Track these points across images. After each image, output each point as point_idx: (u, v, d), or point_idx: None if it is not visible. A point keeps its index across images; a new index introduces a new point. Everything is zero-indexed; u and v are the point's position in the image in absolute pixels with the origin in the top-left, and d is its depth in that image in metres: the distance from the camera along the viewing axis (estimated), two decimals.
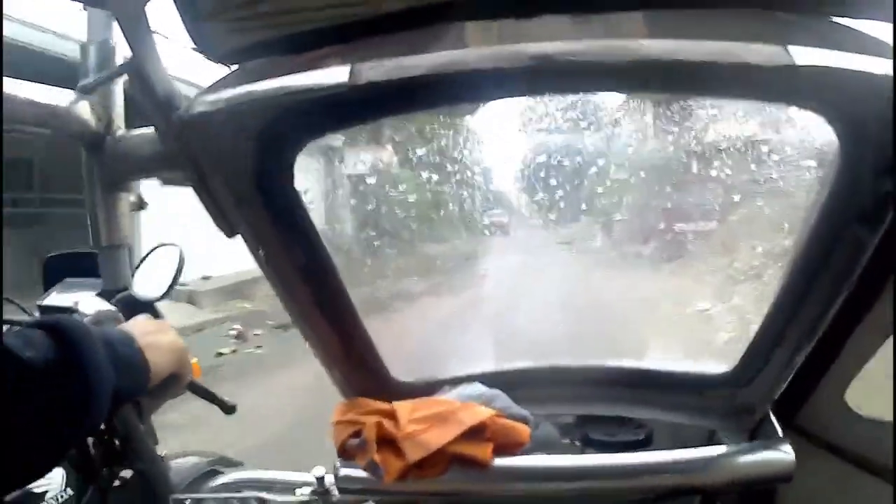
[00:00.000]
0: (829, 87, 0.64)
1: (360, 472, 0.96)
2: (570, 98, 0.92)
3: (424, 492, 0.97)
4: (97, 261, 1.32)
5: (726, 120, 0.92)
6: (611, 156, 1.04)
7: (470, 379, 1.08)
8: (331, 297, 0.90)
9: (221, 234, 0.79)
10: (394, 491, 0.96)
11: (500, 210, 1.15)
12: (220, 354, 6.59)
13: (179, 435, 3.20)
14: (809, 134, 0.83)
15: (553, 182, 1.04)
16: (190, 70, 1.76)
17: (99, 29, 0.77)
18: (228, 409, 1.52)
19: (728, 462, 0.96)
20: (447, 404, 0.97)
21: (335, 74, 0.65)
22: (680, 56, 0.63)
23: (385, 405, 0.98)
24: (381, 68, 0.65)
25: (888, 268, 0.79)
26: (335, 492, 1.09)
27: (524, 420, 1.01)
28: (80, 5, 0.76)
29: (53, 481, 1.24)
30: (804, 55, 0.62)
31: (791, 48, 0.62)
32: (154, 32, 0.68)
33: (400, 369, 1.07)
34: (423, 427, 0.93)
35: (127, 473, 1.36)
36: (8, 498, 1.01)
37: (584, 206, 1.11)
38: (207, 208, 0.76)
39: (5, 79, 0.69)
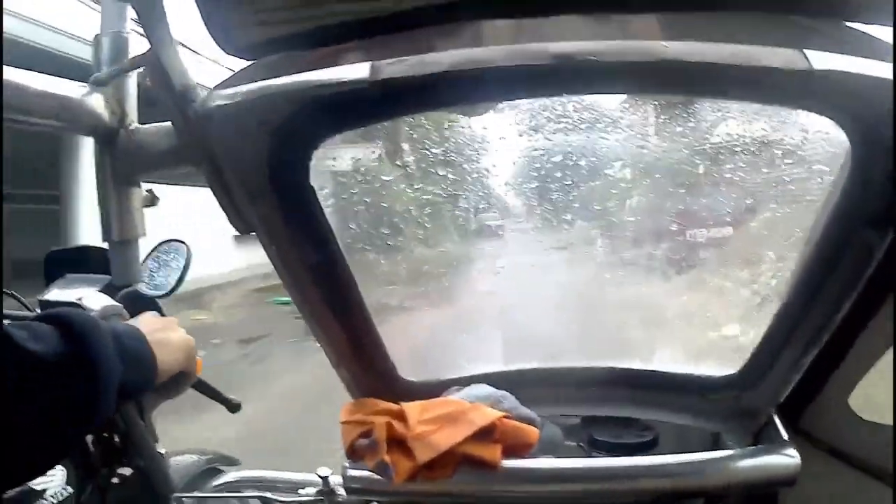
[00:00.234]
0: (843, 91, 0.65)
1: (368, 473, 0.95)
2: (580, 99, 0.92)
3: (433, 493, 0.97)
4: (98, 256, 1.31)
5: (736, 120, 0.92)
6: (619, 157, 1.04)
7: (477, 379, 1.08)
8: (343, 296, 0.89)
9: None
10: (403, 492, 0.96)
11: (507, 211, 1.15)
12: None
13: None
14: (822, 137, 0.84)
15: (562, 184, 1.04)
16: None
17: (112, 20, 0.76)
18: (233, 406, 1.51)
19: (733, 465, 0.96)
20: (456, 405, 0.97)
21: (355, 71, 0.65)
22: (700, 58, 0.64)
23: (394, 406, 0.98)
24: (402, 65, 0.64)
25: (895, 273, 0.80)
26: (340, 492, 1.08)
27: (531, 421, 1.00)
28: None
29: (53, 479, 1.22)
30: (820, 59, 0.62)
31: (808, 52, 0.63)
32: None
33: (407, 369, 1.07)
34: (433, 428, 0.93)
35: (126, 471, 1.35)
36: (7, 495, 1.00)
37: (596, 207, 1.11)
38: (221, 204, 0.76)
39: (16, 70, 0.69)
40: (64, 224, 7.65)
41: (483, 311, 1.32)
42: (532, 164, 1.02)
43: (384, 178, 0.98)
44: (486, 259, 1.23)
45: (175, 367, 0.82)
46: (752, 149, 0.92)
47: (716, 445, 1.07)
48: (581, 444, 1.12)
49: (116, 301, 1.16)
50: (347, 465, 0.98)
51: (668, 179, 1.03)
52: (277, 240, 0.80)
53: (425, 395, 1.02)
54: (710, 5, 0.66)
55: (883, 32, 0.66)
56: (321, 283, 0.86)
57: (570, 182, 1.03)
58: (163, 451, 1.37)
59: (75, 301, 1.14)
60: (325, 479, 1.10)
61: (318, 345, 0.95)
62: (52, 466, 0.71)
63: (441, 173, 0.97)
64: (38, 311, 1.27)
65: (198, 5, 0.65)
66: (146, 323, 0.83)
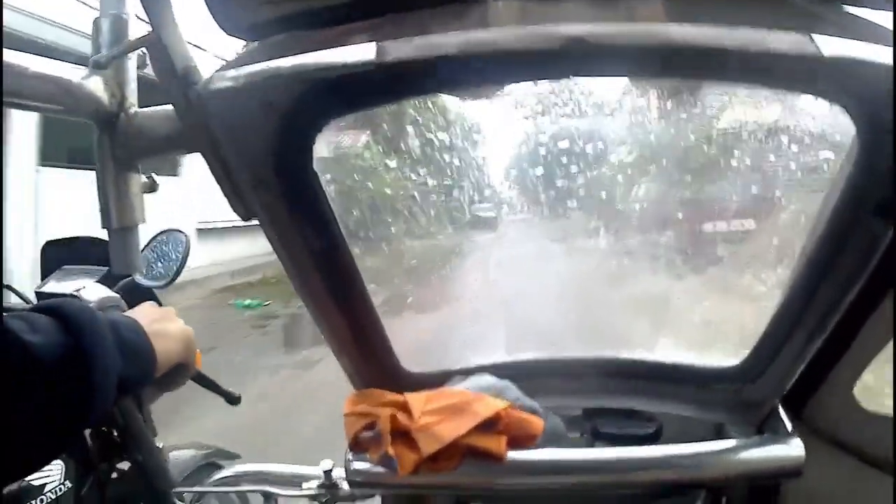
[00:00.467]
0: (851, 77, 0.64)
1: (371, 466, 0.95)
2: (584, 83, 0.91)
3: (438, 485, 0.96)
4: (94, 247, 1.30)
5: (744, 105, 0.92)
6: (622, 144, 1.04)
7: (479, 370, 1.07)
8: (345, 284, 0.88)
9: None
10: (407, 484, 0.95)
11: (509, 201, 1.15)
12: None
13: None
14: (828, 124, 0.83)
15: (565, 172, 1.03)
16: None
17: (112, 2, 0.75)
18: (234, 399, 1.51)
19: (737, 457, 0.96)
20: (461, 395, 0.96)
21: (362, 52, 0.63)
22: (707, 42, 0.63)
23: (397, 396, 0.97)
24: (409, 46, 0.63)
25: None
26: (343, 485, 1.07)
27: (534, 412, 1.00)
28: None
29: (52, 473, 1.21)
30: (827, 44, 0.62)
31: (815, 37, 0.62)
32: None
33: (410, 359, 1.06)
34: (438, 419, 0.92)
35: (125, 465, 1.34)
36: (5, 491, 0.99)
37: (599, 196, 1.10)
38: (223, 189, 0.75)
39: (15, 52, 0.67)
40: None
41: (485, 301, 1.31)
42: (534, 152, 1.02)
43: (387, 163, 0.97)
44: (488, 249, 1.23)
45: (174, 358, 0.81)
46: (759, 136, 0.91)
47: (719, 436, 1.06)
48: (584, 435, 1.12)
49: (114, 292, 1.16)
50: (350, 457, 0.97)
51: (671, 167, 1.03)
52: (280, 226, 0.78)
53: (427, 386, 1.01)
54: None
55: (888, 19, 0.66)
56: (324, 271, 0.85)
57: (573, 170, 1.02)
58: (161, 445, 1.36)
59: (73, 293, 1.13)
60: (327, 472, 1.09)
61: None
62: (48, 462, 0.70)
63: (443, 159, 0.97)
64: (37, 302, 1.26)
65: None
66: (144, 314, 0.81)
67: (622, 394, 1.13)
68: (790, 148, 0.92)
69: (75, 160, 8.27)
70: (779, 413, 1.02)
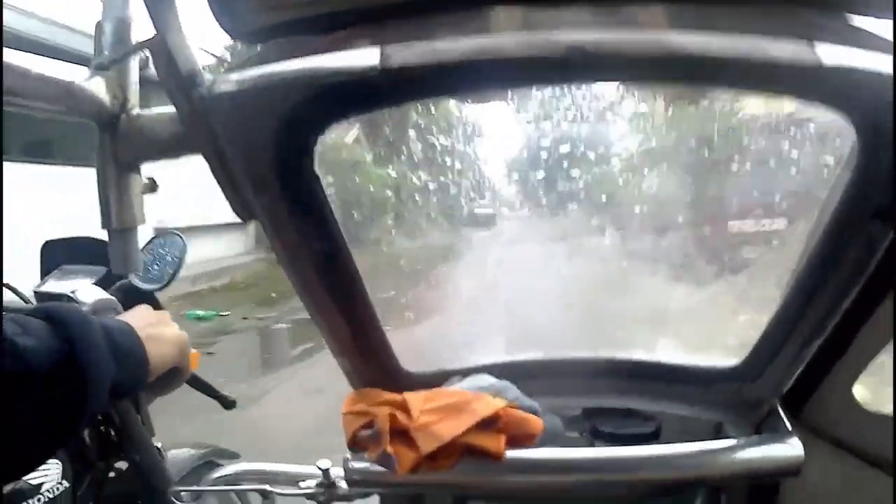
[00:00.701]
0: (851, 84, 0.64)
1: (370, 465, 0.95)
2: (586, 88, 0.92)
3: (437, 484, 0.97)
4: (94, 247, 1.30)
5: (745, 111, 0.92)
6: (625, 148, 1.04)
7: (478, 370, 1.07)
8: (345, 286, 0.88)
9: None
10: (406, 483, 0.95)
11: (510, 202, 1.15)
12: None
13: None
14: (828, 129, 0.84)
15: (566, 174, 1.03)
16: None
17: (115, 4, 0.75)
18: (229, 403, 1.51)
19: (736, 456, 0.97)
20: (459, 395, 0.97)
21: (366, 57, 0.64)
22: (708, 50, 0.63)
23: (396, 396, 0.97)
24: (413, 52, 0.63)
25: None
26: (342, 484, 1.07)
27: (533, 412, 1.00)
28: None
29: (49, 473, 1.21)
30: (828, 52, 0.62)
31: (816, 45, 0.63)
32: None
33: (409, 359, 1.06)
34: (436, 418, 0.93)
35: (123, 465, 1.34)
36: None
37: (599, 198, 1.11)
38: (225, 192, 0.75)
39: (17, 52, 0.67)
40: None
41: (485, 302, 1.32)
42: (536, 153, 1.02)
43: (388, 166, 0.97)
44: (487, 249, 1.23)
45: (168, 362, 0.81)
46: (760, 139, 0.92)
47: (718, 436, 1.07)
48: (583, 434, 1.12)
49: (110, 294, 1.15)
50: (349, 456, 0.98)
51: (673, 171, 1.03)
52: (280, 228, 0.79)
53: (427, 386, 1.02)
54: None
55: (887, 25, 0.66)
56: (324, 272, 0.85)
57: (573, 172, 1.03)
58: (159, 444, 1.36)
59: (69, 294, 1.13)
60: (325, 471, 1.09)
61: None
62: (39, 464, 0.70)
63: (442, 161, 0.97)
64: (35, 302, 1.26)
65: None
66: (138, 317, 0.81)
67: (622, 394, 1.14)
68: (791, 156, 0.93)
69: (31, 153, 8.11)
70: (778, 413, 1.02)
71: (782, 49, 0.62)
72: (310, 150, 0.72)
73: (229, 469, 1.20)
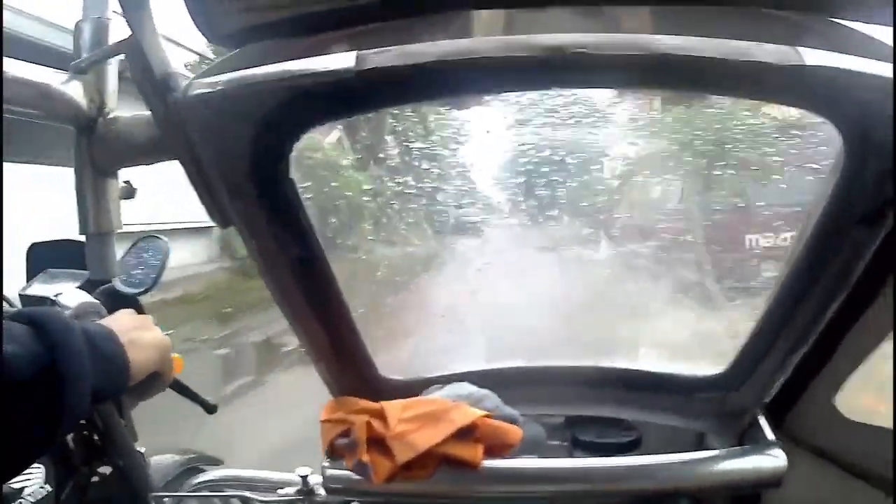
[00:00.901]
0: (837, 88, 0.64)
1: (347, 473, 0.94)
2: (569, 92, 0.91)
3: (413, 493, 0.96)
4: (81, 250, 1.29)
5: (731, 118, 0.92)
6: (606, 154, 1.04)
7: (458, 378, 1.07)
8: (322, 292, 0.88)
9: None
10: (382, 492, 0.95)
11: (492, 208, 1.15)
12: None
13: None
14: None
15: (549, 180, 1.03)
16: None
17: (94, 5, 0.74)
18: (210, 408, 1.49)
19: (718, 466, 0.97)
20: (437, 404, 0.96)
21: (341, 60, 0.63)
22: (692, 53, 0.63)
23: (374, 404, 0.97)
24: (389, 55, 0.63)
25: (884, 272, 0.79)
26: (320, 491, 1.07)
27: (513, 420, 1.00)
28: None
29: (32, 477, 1.20)
30: (813, 56, 0.62)
31: (801, 49, 0.62)
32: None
33: (388, 367, 1.06)
34: (413, 427, 0.92)
35: (106, 469, 1.33)
36: None
37: (582, 205, 1.11)
38: (201, 197, 0.74)
39: None
40: None
41: (466, 309, 1.31)
42: (519, 160, 1.02)
43: (366, 174, 0.97)
44: (470, 256, 1.22)
45: (150, 367, 0.80)
46: (744, 145, 0.91)
47: (700, 446, 1.06)
48: (564, 443, 1.12)
49: (94, 297, 1.15)
50: (327, 464, 0.97)
51: (654, 179, 1.03)
52: (257, 234, 0.78)
53: (406, 394, 1.01)
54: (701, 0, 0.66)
55: (874, 30, 0.66)
56: (301, 279, 0.85)
57: (556, 179, 1.02)
58: (142, 449, 1.35)
59: (53, 297, 1.12)
60: (304, 478, 1.09)
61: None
62: (21, 470, 0.70)
63: (424, 167, 0.97)
64: (20, 305, 1.25)
65: None
66: (120, 322, 0.80)
67: (605, 402, 1.13)
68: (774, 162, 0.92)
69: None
70: (760, 423, 1.02)
71: (767, 52, 0.62)
72: (286, 156, 0.72)
73: (210, 475, 1.19)
